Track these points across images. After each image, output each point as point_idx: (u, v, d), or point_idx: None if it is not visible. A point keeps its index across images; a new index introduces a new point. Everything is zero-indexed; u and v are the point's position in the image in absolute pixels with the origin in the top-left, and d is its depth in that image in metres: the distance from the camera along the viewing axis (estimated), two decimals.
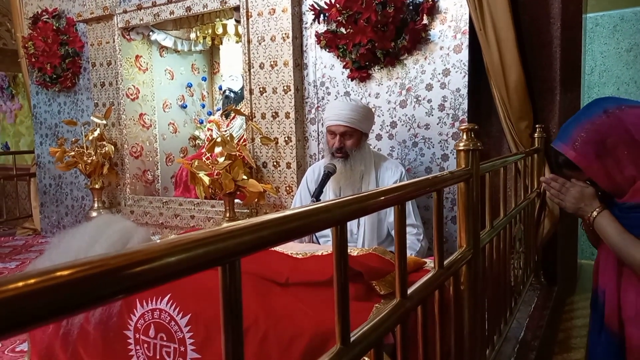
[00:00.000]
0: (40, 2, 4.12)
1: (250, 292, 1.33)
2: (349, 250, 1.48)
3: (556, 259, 2.58)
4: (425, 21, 2.48)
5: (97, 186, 3.67)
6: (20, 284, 0.32)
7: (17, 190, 5.19)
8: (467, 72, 2.45)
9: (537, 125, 2.37)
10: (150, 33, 3.66)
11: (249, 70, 2.98)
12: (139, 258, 0.38)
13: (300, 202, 2.44)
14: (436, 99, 2.53)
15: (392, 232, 2.25)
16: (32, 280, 0.32)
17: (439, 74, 2.51)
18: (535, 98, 2.43)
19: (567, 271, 2.79)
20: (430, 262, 1.72)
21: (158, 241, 0.41)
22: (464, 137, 1.25)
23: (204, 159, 3.34)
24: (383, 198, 0.81)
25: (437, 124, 2.54)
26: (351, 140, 2.19)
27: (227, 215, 2.98)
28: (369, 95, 2.71)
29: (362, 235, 2.22)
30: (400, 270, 0.87)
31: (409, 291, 0.90)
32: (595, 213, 1.39)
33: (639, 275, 1.29)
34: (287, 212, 0.57)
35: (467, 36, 2.43)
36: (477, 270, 1.29)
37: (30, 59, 4.05)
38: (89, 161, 3.55)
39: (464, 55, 2.45)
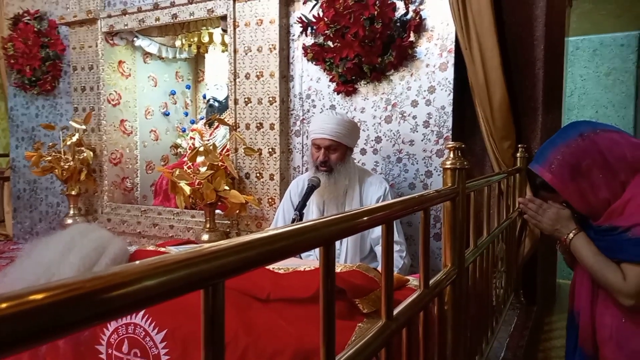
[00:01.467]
0: (22, 3, 4.04)
1: (230, 307, 1.29)
2: None
3: (536, 278, 2.60)
4: (412, 38, 2.50)
5: (73, 192, 3.57)
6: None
7: None
8: (452, 90, 2.47)
9: (519, 145, 2.40)
10: (135, 39, 3.61)
11: (235, 80, 2.95)
12: (117, 281, 0.35)
13: (283, 215, 2.41)
14: (421, 116, 2.54)
15: (375, 248, 2.24)
16: (3, 305, 0.30)
17: (425, 90, 2.53)
18: (519, 118, 2.46)
19: (546, 291, 2.81)
20: (413, 280, 1.70)
21: (137, 262, 0.38)
22: (451, 155, 1.24)
23: (185, 168, 3.28)
24: (369, 217, 0.79)
25: (422, 141, 2.55)
26: (336, 154, 2.17)
27: (207, 225, 2.92)
28: (355, 109, 2.71)
29: (344, 251, 2.19)
30: (387, 290, 0.84)
31: (395, 312, 0.88)
32: (571, 235, 1.40)
33: (613, 298, 1.30)
34: (273, 232, 0.54)
35: (453, 54, 2.45)
36: (461, 290, 1.28)
37: (9, 61, 3.95)
38: (66, 167, 3.45)
39: (450, 73, 2.47)
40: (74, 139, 3.51)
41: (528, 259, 2.50)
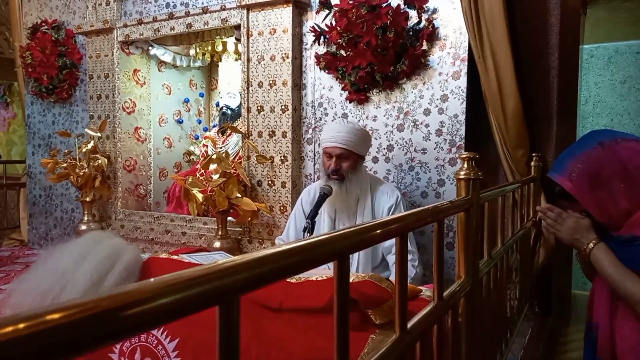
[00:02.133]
0: (40, 13, 4.12)
1: (242, 317, 1.29)
2: None
3: (551, 288, 2.56)
4: (424, 47, 2.49)
5: (88, 199, 3.61)
6: (10, 329, 0.30)
7: (7, 200, 5.10)
8: (465, 99, 2.46)
9: (533, 154, 2.37)
10: (150, 48, 3.65)
11: (248, 88, 2.97)
12: (132, 299, 0.35)
13: (294, 223, 2.41)
14: (434, 124, 2.53)
15: (387, 257, 2.22)
16: (21, 325, 0.30)
17: (437, 99, 2.52)
18: (533, 126, 2.44)
19: (561, 301, 2.76)
20: (426, 291, 1.69)
21: (152, 280, 0.38)
22: (465, 165, 1.23)
23: (198, 175, 3.31)
24: (383, 230, 0.78)
25: (434, 149, 2.54)
26: (347, 162, 2.17)
27: (219, 233, 2.93)
28: (367, 117, 2.70)
29: (356, 260, 2.18)
30: (401, 303, 0.84)
31: (409, 325, 0.87)
32: (591, 245, 1.37)
33: (634, 309, 1.27)
34: (287, 247, 0.54)
35: (466, 63, 2.44)
36: (475, 302, 1.27)
37: (27, 69, 4.03)
38: (81, 173, 3.50)
39: (463, 82, 2.46)
40: (89, 146, 3.56)
41: (542, 269, 2.46)
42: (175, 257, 1.77)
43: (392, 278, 2.09)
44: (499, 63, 2.30)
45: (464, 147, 2.47)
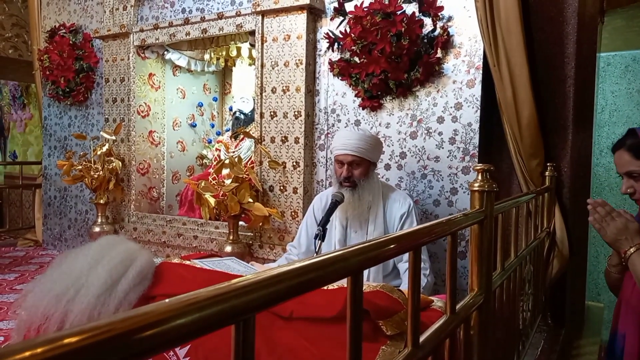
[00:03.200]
0: (59, 17, 4.19)
1: None
2: None
3: (564, 300, 2.53)
4: (439, 55, 2.49)
5: (101, 201, 3.65)
6: (27, 353, 0.30)
7: (22, 200, 5.18)
8: (479, 107, 2.44)
9: (548, 164, 2.35)
10: (165, 52, 3.69)
11: (261, 93, 2.99)
12: (149, 320, 0.36)
13: (306, 230, 2.41)
14: (447, 132, 2.52)
15: (398, 265, 2.21)
16: (39, 350, 0.31)
17: (451, 107, 2.51)
18: (548, 136, 2.41)
19: (575, 313, 2.72)
20: (437, 301, 1.68)
21: (167, 301, 0.38)
22: (479, 177, 1.22)
23: (210, 179, 3.33)
24: (397, 245, 0.78)
25: (447, 157, 2.53)
26: (359, 169, 2.17)
27: (231, 237, 2.95)
28: (380, 124, 2.70)
29: (367, 269, 2.17)
30: (413, 318, 0.83)
31: (421, 339, 0.87)
32: (632, 249, 1.36)
33: None
34: (302, 264, 0.54)
35: (481, 71, 2.43)
36: (488, 315, 1.25)
37: (45, 72, 4.09)
38: (96, 176, 3.54)
39: (477, 90, 2.44)
40: (104, 149, 3.60)
41: (556, 280, 2.43)
42: (187, 262, 1.78)
43: (404, 287, 2.08)
44: (515, 71, 2.28)
45: (477, 155, 2.45)
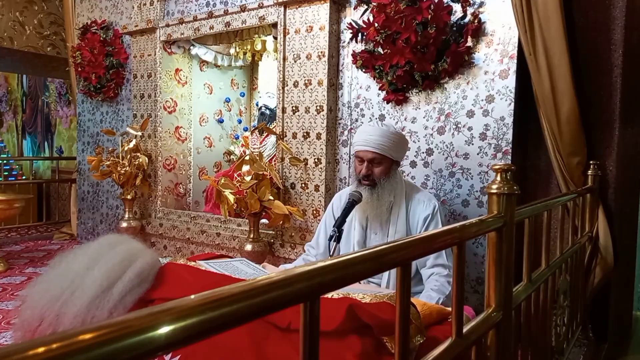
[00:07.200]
0: (91, 14, 4.25)
1: (245, 338, 1.20)
2: (360, 296, 1.31)
3: (608, 311, 2.30)
4: (469, 43, 2.31)
5: (129, 197, 3.67)
6: (41, 349, 0.32)
7: (59, 194, 5.33)
8: (513, 100, 2.25)
9: (591, 162, 2.13)
10: (191, 47, 3.66)
11: (283, 88, 2.89)
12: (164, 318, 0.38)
13: (325, 229, 2.29)
14: (477, 127, 2.34)
15: (420, 270, 2.06)
16: (54, 345, 0.33)
17: (482, 100, 2.32)
18: (591, 131, 2.19)
19: (620, 326, 2.48)
20: None
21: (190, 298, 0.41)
22: (498, 178, 1.07)
23: (235, 175, 3.27)
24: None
25: (478, 154, 2.34)
26: (380, 167, 2.03)
27: (251, 235, 2.87)
28: (405, 119, 2.54)
29: (387, 272, 2.04)
30: (402, 341, 0.70)
31: None
32: None
33: None
34: (354, 255, 0.61)
35: (515, 61, 2.23)
36: (507, 334, 1.10)
37: (77, 69, 4.16)
38: (123, 171, 3.56)
39: (511, 81, 2.25)
40: (131, 144, 3.62)
41: (599, 289, 2.21)
42: (192, 263, 1.71)
43: (425, 294, 1.93)
44: (553, 61, 2.08)
45: (510, 152, 2.26)
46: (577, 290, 1.99)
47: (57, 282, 1.44)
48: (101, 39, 3.98)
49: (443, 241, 0.87)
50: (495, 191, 1.06)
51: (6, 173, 6.72)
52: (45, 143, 7.35)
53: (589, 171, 2.14)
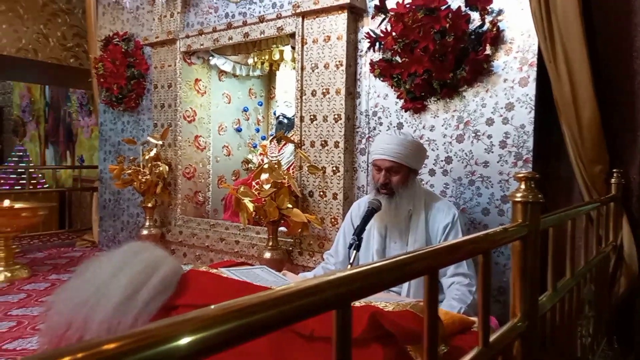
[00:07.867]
0: (113, 26, 4.35)
1: (266, 345, 1.20)
2: (382, 304, 1.31)
3: (633, 321, 2.25)
4: (488, 51, 2.30)
5: (149, 205, 3.72)
6: (67, 358, 0.33)
7: (80, 202, 5.43)
8: (533, 107, 2.23)
9: (614, 170, 2.10)
10: (210, 57, 3.72)
11: (301, 97, 2.91)
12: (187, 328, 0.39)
13: (344, 238, 2.30)
14: (497, 135, 2.32)
15: (441, 280, 2.05)
16: (79, 355, 0.34)
17: (502, 108, 2.31)
18: (613, 139, 2.16)
19: None
20: None
21: (212, 307, 0.42)
22: (522, 186, 1.07)
23: (254, 184, 3.30)
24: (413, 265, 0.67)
25: (497, 162, 2.33)
26: (397, 176, 2.03)
27: (270, 243, 2.89)
28: (423, 127, 2.54)
29: (408, 282, 2.03)
30: (430, 349, 0.71)
31: None
32: None
33: None
34: (381, 263, 0.62)
35: (535, 68, 2.22)
36: (533, 344, 1.09)
37: (99, 79, 4.25)
38: (144, 180, 3.61)
39: (531, 88, 2.23)
40: (152, 153, 3.67)
41: (624, 299, 2.17)
42: (214, 270, 1.73)
43: (446, 303, 1.91)
44: (574, 67, 2.06)
45: (531, 161, 2.24)
46: (602, 300, 1.96)
47: (83, 289, 1.47)
48: (123, 50, 4.07)
49: (468, 250, 0.88)
50: (519, 199, 1.05)
51: (34, 182, 6.87)
52: (67, 152, 7.51)
53: (612, 179, 2.11)
